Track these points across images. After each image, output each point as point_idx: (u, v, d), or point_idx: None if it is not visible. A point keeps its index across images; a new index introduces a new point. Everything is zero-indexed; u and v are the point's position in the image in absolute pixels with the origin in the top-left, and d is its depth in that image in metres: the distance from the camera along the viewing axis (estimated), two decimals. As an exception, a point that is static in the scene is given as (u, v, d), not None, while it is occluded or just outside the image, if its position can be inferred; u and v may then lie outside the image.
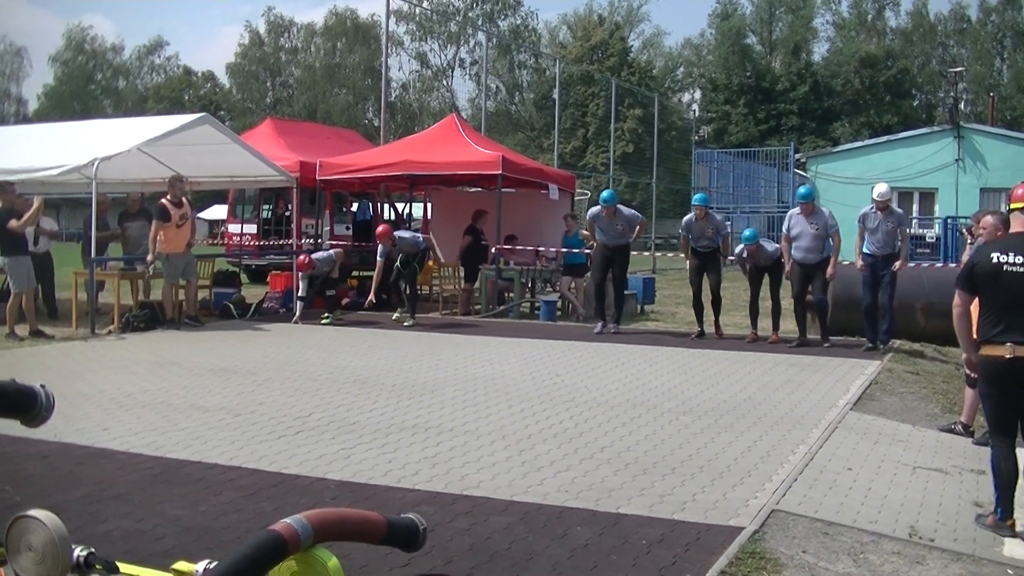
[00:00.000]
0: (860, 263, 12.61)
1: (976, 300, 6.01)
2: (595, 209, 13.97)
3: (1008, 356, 5.68)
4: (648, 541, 5.21)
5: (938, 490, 6.61)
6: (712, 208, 14.67)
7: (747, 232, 13.11)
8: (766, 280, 13.66)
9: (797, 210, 13.13)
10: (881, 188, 12.54)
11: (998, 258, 5.81)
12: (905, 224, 12.98)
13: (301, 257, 15.47)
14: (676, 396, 9.44)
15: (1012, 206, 6.09)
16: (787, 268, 13.02)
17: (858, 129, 65.52)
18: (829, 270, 12.75)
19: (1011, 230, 6.12)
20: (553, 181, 19.24)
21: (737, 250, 13.28)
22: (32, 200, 13.57)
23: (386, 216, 24.25)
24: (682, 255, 14.74)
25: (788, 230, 13.10)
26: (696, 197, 14.15)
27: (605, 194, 13.96)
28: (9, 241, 13.31)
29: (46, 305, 15.82)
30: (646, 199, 46.40)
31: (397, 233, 14.65)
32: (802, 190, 13.63)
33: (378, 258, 14.88)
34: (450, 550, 5.02)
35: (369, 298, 14.80)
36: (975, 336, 6.03)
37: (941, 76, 73.19)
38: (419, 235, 15.40)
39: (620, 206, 14.09)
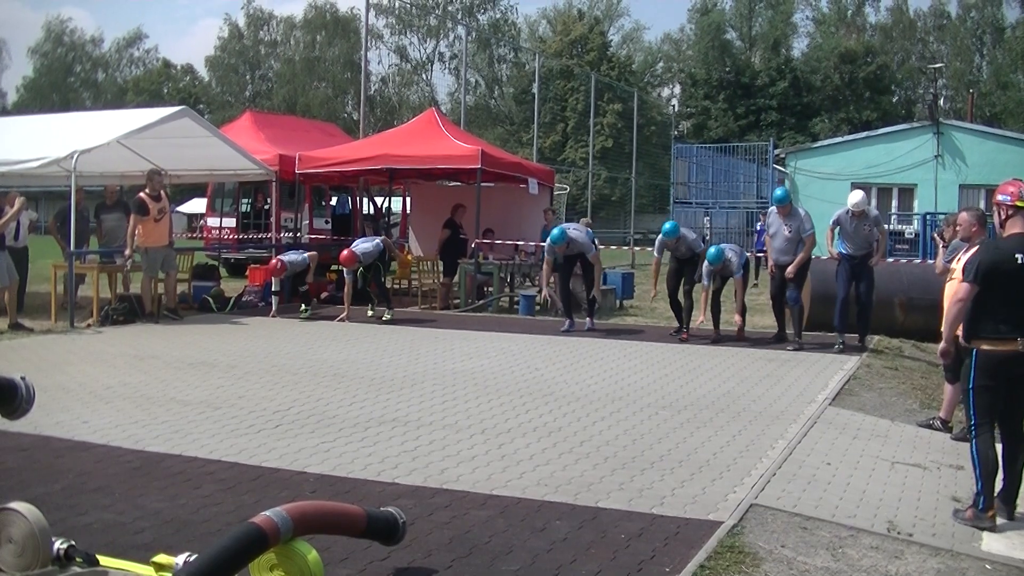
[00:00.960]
0: (834, 252, 12.58)
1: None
2: (549, 245, 13.72)
3: (1022, 350, 5.83)
4: (627, 535, 5.23)
5: (916, 485, 6.66)
6: (684, 231, 13.97)
7: (667, 225, 12.99)
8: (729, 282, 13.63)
9: (775, 209, 13.12)
10: (855, 198, 12.36)
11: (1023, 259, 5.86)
12: (882, 224, 12.93)
13: (273, 262, 15.49)
14: (655, 391, 9.46)
15: None
16: (770, 265, 13.05)
17: (837, 125, 65.68)
18: (790, 268, 12.60)
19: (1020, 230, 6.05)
20: (532, 175, 19.26)
21: (704, 269, 12.99)
22: (13, 194, 13.45)
23: (365, 210, 24.17)
24: (651, 267, 14.15)
25: (767, 227, 13.17)
26: (666, 229, 13.22)
27: (555, 233, 13.58)
28: None
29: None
30: (625, 194, 46.48)
31: (358, 250, 14.57)
32: (778, 192, 13.36)
33: (346, 276, 14.90)
34: (430, 543, 5.03)
35: (342, 316, 14.75)
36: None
37: (920, 72, 73.46)
38: (377, 239, 15.30)
39: (571, 235, 13.64)
